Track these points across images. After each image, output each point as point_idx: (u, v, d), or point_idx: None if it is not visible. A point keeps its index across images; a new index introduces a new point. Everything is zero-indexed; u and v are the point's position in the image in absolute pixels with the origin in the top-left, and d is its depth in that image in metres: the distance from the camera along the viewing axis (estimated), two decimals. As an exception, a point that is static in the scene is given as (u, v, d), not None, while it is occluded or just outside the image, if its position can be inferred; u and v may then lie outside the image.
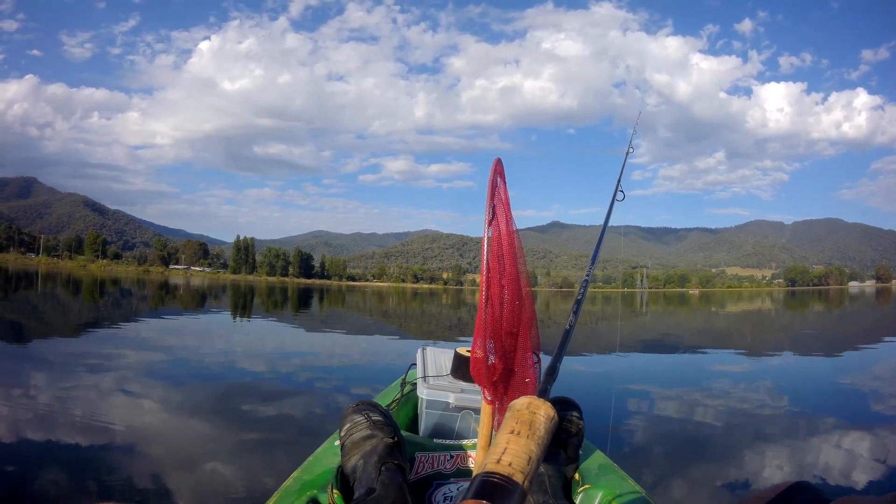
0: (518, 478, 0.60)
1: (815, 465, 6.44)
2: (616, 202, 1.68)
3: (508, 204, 3.16)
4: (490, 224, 3.13)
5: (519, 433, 0.67)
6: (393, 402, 4.26)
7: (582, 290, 1.16)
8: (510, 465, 0.62)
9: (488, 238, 3.12)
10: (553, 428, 0.72)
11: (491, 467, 0.62)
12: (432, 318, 37.87)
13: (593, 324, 34.20)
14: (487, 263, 3.12)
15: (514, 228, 3.18)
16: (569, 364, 14.00)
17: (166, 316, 26.50)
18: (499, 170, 3.19)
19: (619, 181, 1.76)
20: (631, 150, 2.18)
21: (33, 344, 14.38)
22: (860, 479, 6.01)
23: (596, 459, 3.43)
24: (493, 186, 3.13)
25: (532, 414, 0.71)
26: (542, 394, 0.78)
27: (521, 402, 0.73)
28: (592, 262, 1.32)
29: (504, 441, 0.66)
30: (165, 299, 42.93)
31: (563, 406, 3.25)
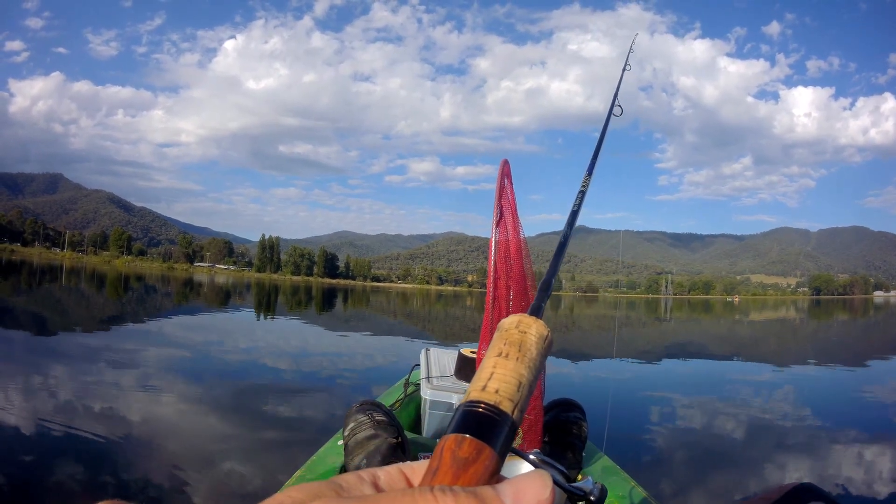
0: (506, 406, 0.51)
1: (826, 472, 6.36)
2: (613, 116, 1.66)
3: (515, 205, 3.17)
4: (497, 225, 3.14)
5: (507, 356, 0.56)
6: (396, 402, 4.26)
7: (578, 202, 1.11)
8: (497, 392, 0.52)
9: (496, 240, 3.13)
10: (547, 349, 0.60)
11: (475, 396, 0.52)
12: (456, 320, 37.90)
13: (608, 329, 34.03)
14: (494, 265, 3.13)
15: (521, 231, 3.19)
16: (572, 367, 14.00)
17: (188, 313, 26.73)
18: (506, 171, 3.19)
19: (615, 95, 1.75)
20: (628, 67, 2.16)
21: (56, 337, 14.55)
22: (881, 491, 5.92)
23: (599, 461, 3.41)
24: (501, 188, 3.14)
25: (522, 334, 0.59)
26: (535, 311, 0.66)
27: (510, 321, 0.61)
28: (590, 173, 1.27)
29: (491, 365, 0.55)
30: (189, 296, 43.25)
31: (567, 408, 3.23)
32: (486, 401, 0.51)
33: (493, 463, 0.48)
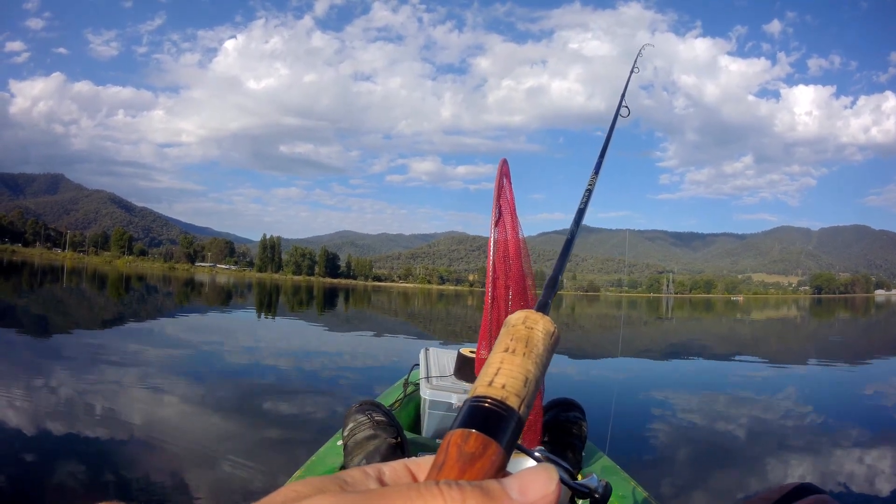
0: (513, 402, 0.50)
1: (828, 472, 6.35)
2: (620, 118, 1.67)
3: (514, 205, 3.16)
4: (496, 225, 3.13)
5: (514, 351, 0.55)
6: (396, 402, 4.25)
7: (585, 200, 1.11)
8: (504, 387, 0.51)
9: (494, 239, 3.12)
10: (554, 345, 0.60)
11: (482, 391, 0.51)
12: (457, 319, 37.89)
13: (610, 328, 34.03)
14: (493, 264, 3.12)
15: (520, 231, 3.18)
16: (572, 366, 13.98)
17: (189, 313, 26.75)
18: (504, 170, 3.18)
19: (622, 96, 1.75)
20: (636, 69, 2.16)
21: (57, 338, 14.55)
22: (882, 491, 5.91)
23: (599, 461, 3.41)
24: (500, 187, 3.13)
25: (529, 329, 0.58)
26: (542, 308, 0.65)
27: (517, 317, 0.60)
28: (596, 172, 1.26)
29: (497, 361, 0.55)
30: (190, 296, 43.27)
31: (566, 407, 3.22)
32: (493, 396, 0.50)
33: (499, 458, 0.47)
